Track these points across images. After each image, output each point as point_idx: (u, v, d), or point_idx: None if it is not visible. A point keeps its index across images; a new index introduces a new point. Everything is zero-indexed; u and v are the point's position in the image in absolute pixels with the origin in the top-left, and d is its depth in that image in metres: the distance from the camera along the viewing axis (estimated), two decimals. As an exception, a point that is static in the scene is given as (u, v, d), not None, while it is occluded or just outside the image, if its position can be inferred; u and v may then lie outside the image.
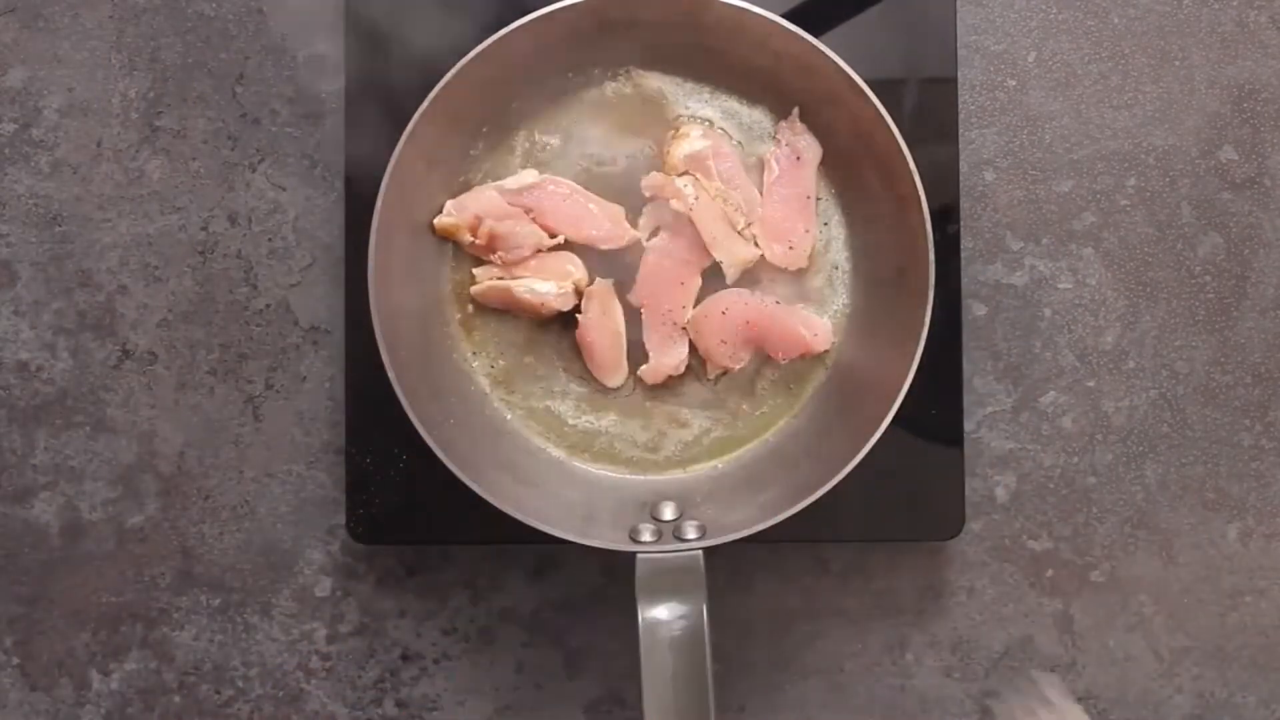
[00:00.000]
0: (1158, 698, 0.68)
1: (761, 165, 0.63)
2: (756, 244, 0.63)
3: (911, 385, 0.57)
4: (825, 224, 0.64)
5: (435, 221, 0.62)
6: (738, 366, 0.63)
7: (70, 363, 0.67)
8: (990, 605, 0.68)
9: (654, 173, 0.62)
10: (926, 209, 0.57)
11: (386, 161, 0.57)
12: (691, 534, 0.57)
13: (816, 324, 0.63)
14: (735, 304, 0.62)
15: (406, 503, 0.63)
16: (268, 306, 0.67)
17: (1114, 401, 0.68)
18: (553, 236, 0.63)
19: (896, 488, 0.63)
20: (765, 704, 0.68)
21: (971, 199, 0.67)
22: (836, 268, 0.64)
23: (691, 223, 0.62)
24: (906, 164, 0.57)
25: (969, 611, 0.68)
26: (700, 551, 0.55)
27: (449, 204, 0.62)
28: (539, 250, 0.63)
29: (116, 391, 0.67)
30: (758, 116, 0.64)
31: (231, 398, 0.67)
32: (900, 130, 0.57)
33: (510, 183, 0.62)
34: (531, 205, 0.62)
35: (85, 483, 0.67)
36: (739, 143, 0.64)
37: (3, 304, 0.67)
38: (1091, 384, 0.68)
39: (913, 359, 0.57)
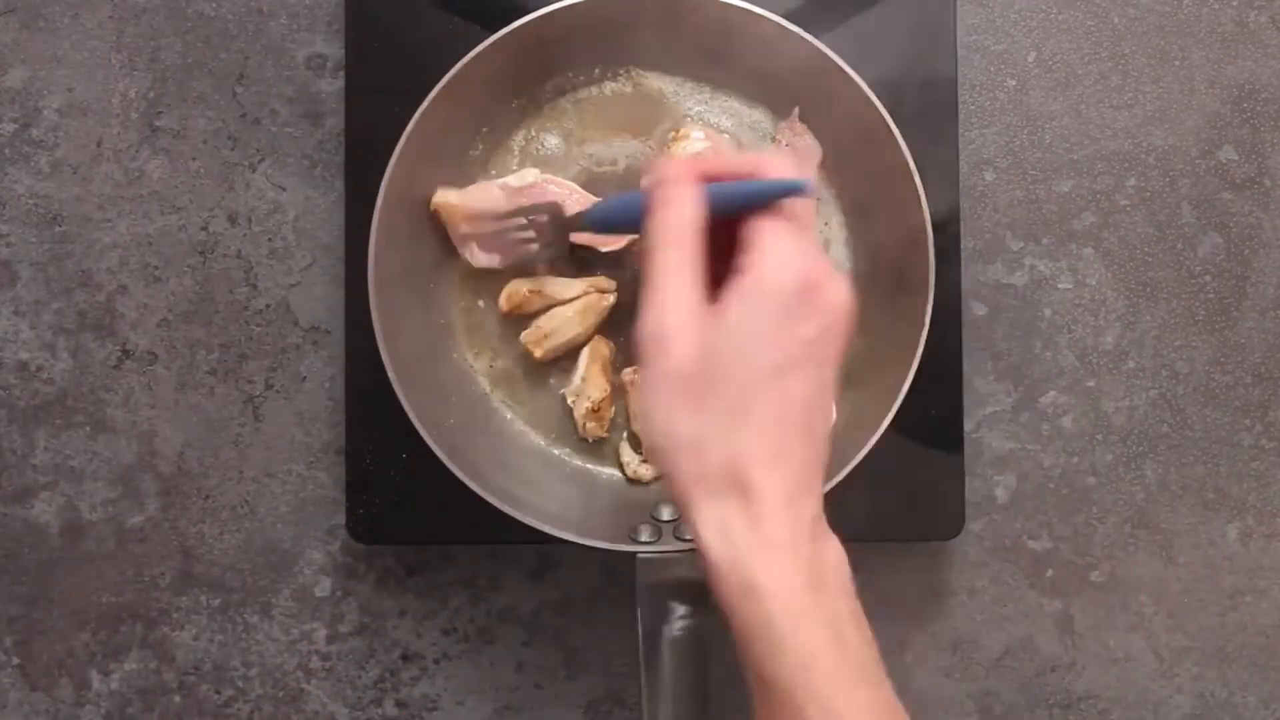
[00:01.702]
0: (1158, 698, 0.68)
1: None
2: None
3: (911, 385, 0.57)
4: (825, 224, 0.64)
5: (435, 199, 0.61)
6: None
7: (70, 363, 0.67)
8: (990, 605, 0.68)
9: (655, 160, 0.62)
10: (926, 209, 0.57)
11: (386, 162, 0.57)
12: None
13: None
14: None
15: (406, 503, 0.63)
16: (268, 306, 0.67)
17: (1114, 401, 0.68)
18: None
19: (896, 488, 0.63)
20: (765, 704, 0.68)
21: (971, 199, 0.67)
22: (837, 267, 0.64)
23: None
24: (906, 164, 0.57)
25: (969, 611, 0.68)
26: (700, 551, 0.55)
27: (450, 191, 0.62)
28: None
29: (116, 391, 0.67)
30: (758, 116, 0.64)
31: (231, 398, 0.67)
32: (900, 130, 0.57)
33: (512, 180, 0.62)
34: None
35: (85, 483, 0.67)
36: (739, 143, 0.64)
37: (3, 304, 0.67)
38: (1091, 384, 0.68)
39: (913, 359, 0.57)
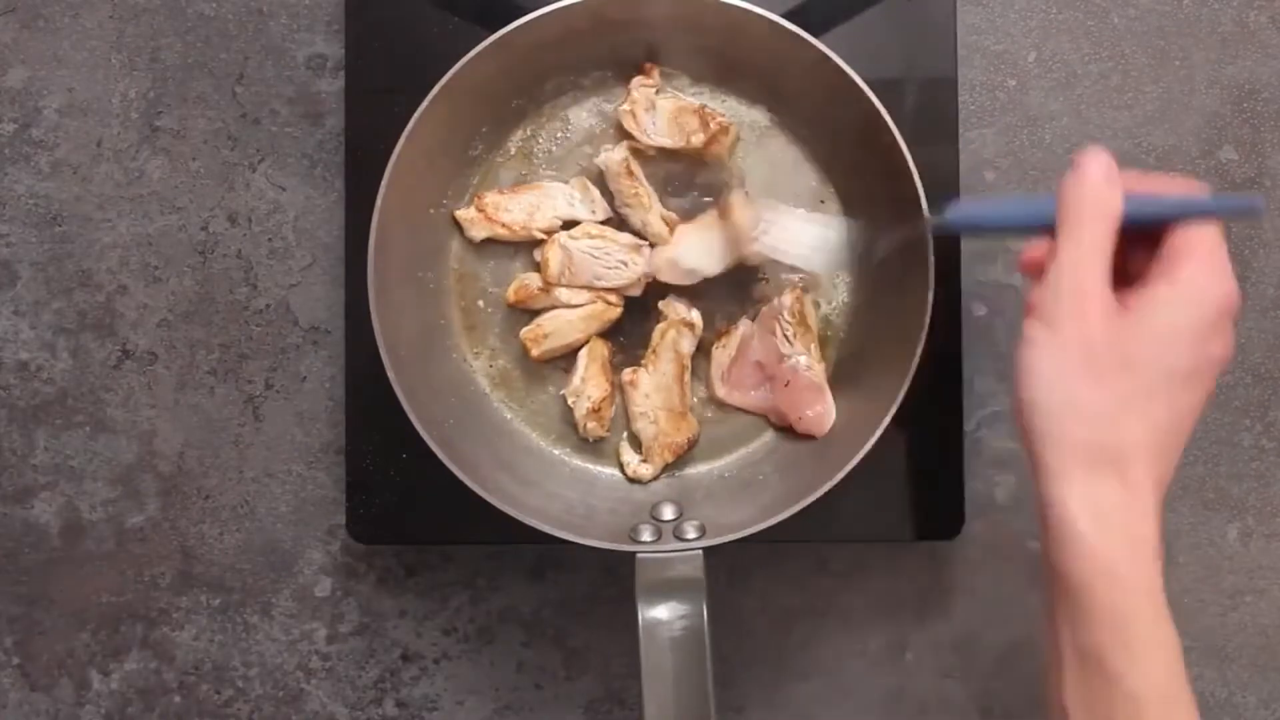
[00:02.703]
0: (1158, 698, 0.68)
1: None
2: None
3: (911, 385, 0.57)
4: (825, 224, 0.64)
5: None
6: (730, 403, 0.64)
7: (70, 363, 0.67)
8: (990, 605, 0.68)
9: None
10: (926, 209, 0.57)
11: (386, 161, 0.57)
12: (691, 534, 0.57)
13: (821, 409, 0.62)
14: (750, 340, 0.62)
15: (406, 503, 0.63)
16: (268, 306, 0.67)
17: (1114, 401, 0.68)
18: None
19: (896, 488, 0.63)
20: (765, 704, 0.68)
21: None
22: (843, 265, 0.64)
23: None
24: (906, 164, 0.57)
25: (969, 612, 0.68)
26: (700, 551, 0.55)
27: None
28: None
29: (116, 391, 0.67)
30: (757, 116, 0.64)
31: (231, 398, 0.67)
32: (900, 130, 0.57)
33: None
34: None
35: (85, 483, 0.67)
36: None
37: (3, 304, 0.67)
38: (1091, 384, 0.68)
39: (913, 359, 0.57)
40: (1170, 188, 0.48)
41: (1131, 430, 0.44)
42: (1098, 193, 0.47)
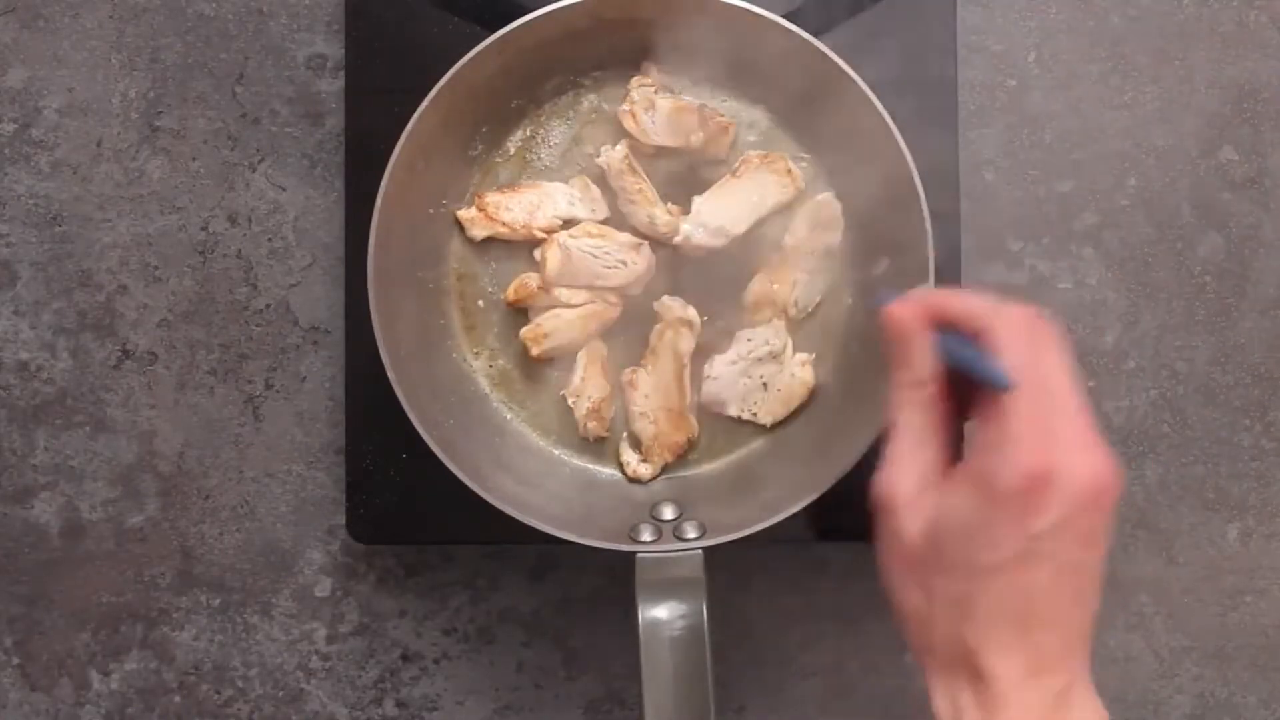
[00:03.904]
0: (1158, 698, 0.68)
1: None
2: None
3: (911, 385, 0.57)
4: (825, 224, 0.64)
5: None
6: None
7: (70, 363, 0.67)
8: (990, 605, 0.68)
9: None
10: (926, 209, 0.57)
11: (386, 162, 0.57)
12: (691, 534, 0.57)
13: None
14: None
15: (406, 503, 0.63)
16: (268, 306, 0.67)
17: (1114, 401, 0.68)
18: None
19: (896, 488, 0.63)
20: (765, 704, 0.68)
21: (971, 199, 0.67)
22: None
23: None
24: (906, 163, 0.57)
25: (969, 611, 0.68)
26: (700, 551, 0.55)
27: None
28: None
29: (116, 391, 0.67)
30: (756, 116, 0.64)
31: (231, 398, 0.67)
32: (900, 130, 0.57)
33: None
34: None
35: (85, 483, 0.67)
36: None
37: (3, 304, 0.67)
38: (1091, 384, 0.68)
39: (913, 359, 0.57)
40: (975, 319, 0.45)
41: (960, 633, 0.42)
42: (902, 379, 0.45)
